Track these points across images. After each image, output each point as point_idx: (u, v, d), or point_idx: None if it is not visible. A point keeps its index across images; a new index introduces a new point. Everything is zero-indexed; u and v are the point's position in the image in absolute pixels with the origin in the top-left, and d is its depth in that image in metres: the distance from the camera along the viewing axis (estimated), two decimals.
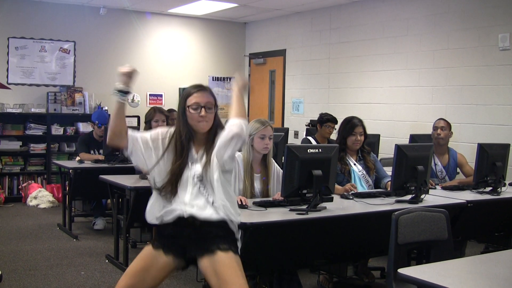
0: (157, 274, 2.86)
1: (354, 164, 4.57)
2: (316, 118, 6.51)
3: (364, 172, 4.57)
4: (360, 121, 4.64)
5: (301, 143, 6.66)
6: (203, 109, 2.82)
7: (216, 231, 2.79)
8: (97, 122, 6.68)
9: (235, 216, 2.85)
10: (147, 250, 2.91)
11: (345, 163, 4.54)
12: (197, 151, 2.86)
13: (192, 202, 2.80)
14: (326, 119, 6.16)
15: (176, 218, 2.82)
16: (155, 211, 2.90)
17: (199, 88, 2.88)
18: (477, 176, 4.62)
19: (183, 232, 2.82)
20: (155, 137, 2.87)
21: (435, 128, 5.22)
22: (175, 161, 2.82)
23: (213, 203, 2.80)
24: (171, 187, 2.81)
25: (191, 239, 2.81)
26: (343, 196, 4.11)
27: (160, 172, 2.84)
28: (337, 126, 6.10)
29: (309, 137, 6.11)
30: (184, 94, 2.89)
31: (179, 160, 2.81)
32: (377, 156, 5.47)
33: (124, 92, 2.75)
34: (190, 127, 2.84)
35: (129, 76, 2.78)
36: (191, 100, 2.83)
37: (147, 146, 2.84)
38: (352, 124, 4.59)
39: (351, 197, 4.11)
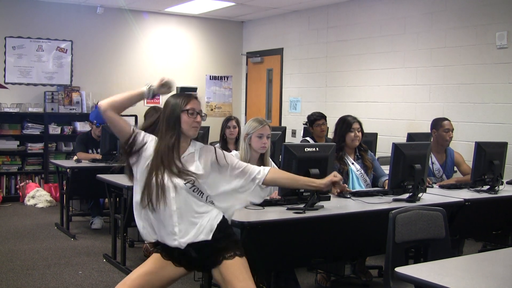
0: (166, 279, 2.91)
1: (352, 163, 4.56)
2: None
3: (362, 171, 4.56)
4: (355, 118, 4.64)
5: None
6: (198, 115, 2.91)
7: (218, 244, 2.90)
8: (95, 121, 6.66)
9: (229, 212, 3.03)
10: (157, 256, 2.94)
11: (344, 163, 4.52)
12: (179, 158, 2.90)
13: (181, 230, 2.86)
14: (313, 119, 6.07)
15: (175, 248, 2.90)
16: (149, 231, 2.96)
17: (194, 96, 2.97)
18: (475, 175, 4.62)
19: (189, 254, 2.90)
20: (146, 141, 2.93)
21: (446, 130, 5.16)
22: (155, 169, 2.84)
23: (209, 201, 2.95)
24: (154, 198, 2.82)
25: (197, 258, 2.91)
26: (340, 195, 4.10)
27: (141, 180, 2.88)
28: (328, 122, 6.10)
29: (307, 138, 6.09)
30: (178, 100, 2.92)
31: (161, 167, 2.84)
32: (375, 155, 5.46)
33: (153, 93, 2.97)
34: (180, 132, 2.89)
35: (166, 86, 2.98)
36: (188, 106, 2.89)
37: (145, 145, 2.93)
38: (348, 122, 4.58)
39: (348, 196, 4.10)
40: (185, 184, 2.84)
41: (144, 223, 2.94)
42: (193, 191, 2.87)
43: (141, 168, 2.87)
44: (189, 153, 2.93)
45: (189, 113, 2.87)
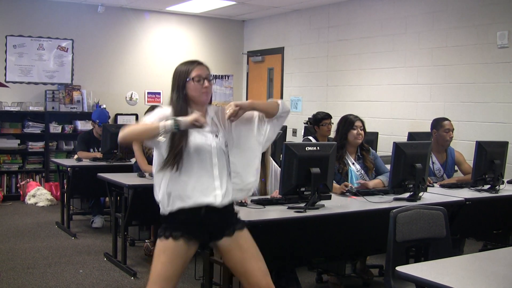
0: (183, 265, 2.85)
1: (353, 164, 4.54)
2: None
3: (362, 172, 4.53)
4: (357, 116, 4.64)
5: None
6: (205, 80, 2.88)
7: (232, 215, 2.95)
8: (97, 121, 6.66)
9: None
10: (168, 249, 2.80)
11: (344, 163, 4.50)
12: None
13: (221, 185, 2.84)
14: (320, 118, 6.08)
15: (205, 205, 2.82)
16: (177, 197, 2.81)
17: (198, 62, 2.93)
18: (475, 174, 4.62)
19: (210, 218, 2.84)
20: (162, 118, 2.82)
21: (447, 130, 5.15)
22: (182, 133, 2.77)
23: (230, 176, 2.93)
24: (179, 157, 2.77)
25: (216, 225, 2.87)
26: (347, 192, 4.14)
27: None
28: (333, 121, 6.10)
29: (310, 137, 6.09)
30: (184, 69, 2.89)
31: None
32: (376, 153, 5.45)
33: (178, 129, 2.69)
34: (191, 99, 2.86)
35: (196, 126, 2.71)
36: (193, 73, 2.86)
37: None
38: (350, 120, 4.57)
39: (353, 190, 4.13)
40: (216, 137, 2.86)
41: (172, 190, 2.81)
42: (226, 146, 2.90)
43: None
44: (210, 118, 2.91)
45: (195, 80, 2.84)
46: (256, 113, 2.98)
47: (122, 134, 2.75)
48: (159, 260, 2.80)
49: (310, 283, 4.73)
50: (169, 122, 2.67)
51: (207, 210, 2.81)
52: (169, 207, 2.82)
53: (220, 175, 2.85)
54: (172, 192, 2.81)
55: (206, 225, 2.84)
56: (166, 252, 2.79)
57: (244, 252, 2.88)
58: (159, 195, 2.86)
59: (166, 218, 2.85)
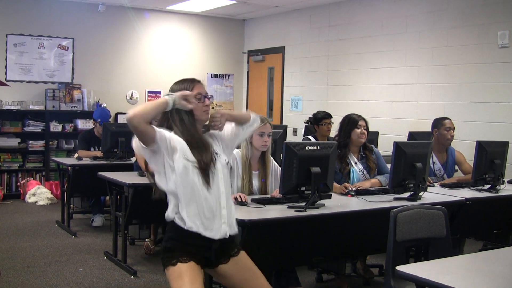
0: (202, 285, 2.75)
1: (355, 163, 4.53)
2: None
3: (364, 172, 4.51)
4: (361, 115, 4.63)
5: None
6: (205, 98, 2.84)
7: (235, 241, 2.90)
8: (99, 120, 6.65)
9: None
10: (184, 271, 2.68)
11: (346, 163, 4.49)
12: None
13: (226, 215, 2.80)
14: (320, 117, 6.10)
15: (205, 242, 2.75)
16: (198, 224, 2.73)
17: (197, 80, 2.88)
18: (476, 174, 4.62)
19: (217, 245, 2.79)
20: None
21: (448, 128, 5.13)
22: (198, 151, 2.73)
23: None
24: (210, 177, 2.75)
25: (219, 251, 2.81)
26: (347, 193, 4.13)
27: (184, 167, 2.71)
28: (333, 121, 6.10)
29: (309, 136, 6.10)
30: (185, 87, 2.82)
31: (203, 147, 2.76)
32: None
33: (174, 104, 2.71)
34: (194, 119, 2.79)
35: (187, 101, 2.73)
36: (194, 91, 2.81)
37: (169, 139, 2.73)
38: (354, 119, 4.56)
39: (353, 193, 4.13)
40: (226, 163, 2.86)
41: (194, 216, 2.73)
42: (229, 170, 2.90)
43: (177, 157, 2.70)
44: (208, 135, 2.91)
45: (197, 98, 2.79)
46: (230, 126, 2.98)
47: (133, 114, 2.58)
48: (180, 285, 2.66)
49: (310, 283, 4.73)
50: (169, 96, 2.69)
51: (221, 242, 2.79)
52: (186, 226, 2.71)
53: (226, 191, 2.84)
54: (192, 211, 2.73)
55: (211, 250, 2.79)
56: (183, 275, 2.67)
57: (249, 271, 2.87)
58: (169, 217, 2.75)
59: (177, 233, 2.74)
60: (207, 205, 2.73)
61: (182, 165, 2.67)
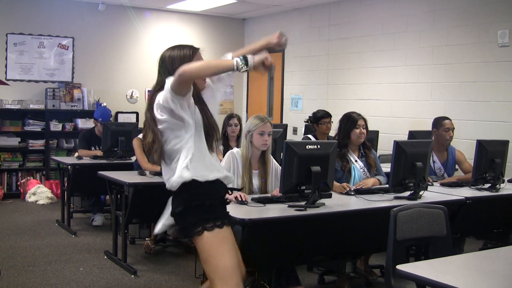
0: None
1: (356, 161, 4.55)
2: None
3: (365, 169, 4.54)
4: (360, 114, 4.63)
5: None
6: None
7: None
8: (100, 119, 6.64)
9: None
10: (225, 237, 2.72)
11: (347, 161, 4.50)
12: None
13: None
14: (319, 116, 6.11)
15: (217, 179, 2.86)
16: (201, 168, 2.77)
17: (196, 47, 2.94)
18: (476, 173, 4.62)
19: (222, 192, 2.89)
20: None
21: (447, 129, 5.13)
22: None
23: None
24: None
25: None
26: (347, 193, 4.13)
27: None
28: (333, 120, 6.10)
29: (310, 135, 6.10)
30: (187, 53, 2.85)
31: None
32: (376, 153, 5.45)
33: (245, 68, 2.65)
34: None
35: (265, 67, 2.71)
36: (196, 59, 2.86)
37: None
38: (353, 118, 4.57)
39: (352, 193, 4.12)
40: None
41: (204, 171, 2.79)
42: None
43: (193, 112, 2.77)
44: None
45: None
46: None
47: (191, 69, 2.57)
48: (223, 250, 2.67)
49: (310, 283, 4.72)
50: (239, 59, 2.63)
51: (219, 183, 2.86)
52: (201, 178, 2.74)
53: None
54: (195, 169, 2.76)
55: (223, 203, 2.90)
56: (225, 241, 2.70)
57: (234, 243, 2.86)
58: (185, 175, 2.71)
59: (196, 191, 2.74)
60: (209, 161, 2.84)
61: (200, 118, 2.79)
